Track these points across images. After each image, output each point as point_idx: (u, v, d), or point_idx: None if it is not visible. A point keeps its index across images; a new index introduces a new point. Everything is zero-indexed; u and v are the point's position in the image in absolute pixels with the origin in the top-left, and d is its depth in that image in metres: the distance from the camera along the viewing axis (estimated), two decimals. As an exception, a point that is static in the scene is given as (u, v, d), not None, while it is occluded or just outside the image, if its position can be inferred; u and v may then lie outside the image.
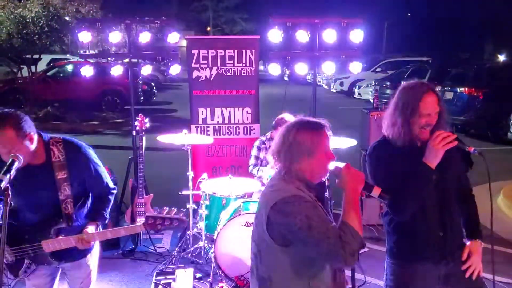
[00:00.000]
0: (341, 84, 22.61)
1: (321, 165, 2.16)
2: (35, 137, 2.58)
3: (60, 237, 2.69)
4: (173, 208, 2.77)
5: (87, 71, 5.28)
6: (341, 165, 2.18)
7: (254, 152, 5.22)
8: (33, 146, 2.55)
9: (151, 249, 5.11)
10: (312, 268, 2.10)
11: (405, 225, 2.58)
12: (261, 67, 29.10)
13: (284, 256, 2.10)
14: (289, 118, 5.01)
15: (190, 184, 4.95)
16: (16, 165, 2.25)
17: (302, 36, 5.37)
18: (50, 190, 2.68)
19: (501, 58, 34.39)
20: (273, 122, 4.98)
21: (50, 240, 2.68)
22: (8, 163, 2.23)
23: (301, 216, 2.00)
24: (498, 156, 8.49)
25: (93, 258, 2.99)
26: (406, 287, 2.63)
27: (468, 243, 2.63)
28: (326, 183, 4.62)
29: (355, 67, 5.71)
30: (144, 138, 5.05)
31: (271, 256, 2.15)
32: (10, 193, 2.09)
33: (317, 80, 22.85)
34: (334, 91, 23.32)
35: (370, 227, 5.57)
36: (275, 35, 5.33)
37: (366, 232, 5.07)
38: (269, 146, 5.12)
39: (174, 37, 5.31)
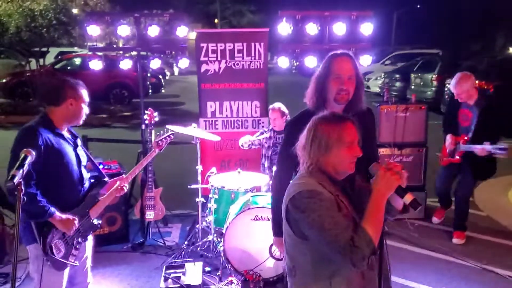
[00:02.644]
0: (350, 76, 22.44)
1: (342, 159, 2.09)
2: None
3: (101, 198, 3.14)
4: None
5: (96, 65, 5.27)
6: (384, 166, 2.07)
7: (257, 134, 5.38)
8: None
9: (161, 242, 5.13)
10: (331, 265, 2.06)
11: None
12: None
13: (305, 250, 2.10)
14: (273, 106, 5.13)
15: (199, 178, 4.95)
16: (29, 160, 2.24)
17: (312, 29, 5.33)
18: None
19: (512, 50, 34.00)
20: None
21: (95, 205, 3.11)
22: (21, 158, 2.22)
23: (314, 215, 1.98)
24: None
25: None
26: None
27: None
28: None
29: (365, 60, 5.66)
30: (153, 131, 5.05)
31: (294, 248, 2.16)
32: (23, 188, 2.08)
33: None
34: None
35: (410, 220, 5.50)
36: (284, 28, 5.29)
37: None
38: (270, 136, 5.16)
39: (183, 31, 5.28)
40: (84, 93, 2.97)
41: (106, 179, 3.22)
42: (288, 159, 2.62)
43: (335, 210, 2.02)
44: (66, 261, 2.89)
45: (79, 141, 3.08)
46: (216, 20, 45.57)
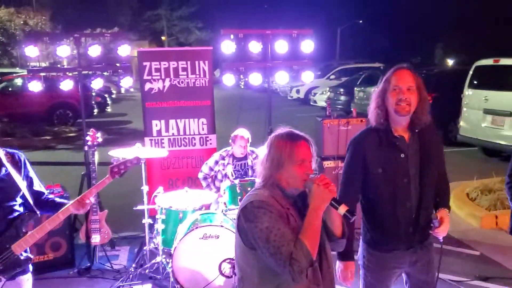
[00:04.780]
0: (298, 91, 22.94)
1: (294, 175, 2.16)
2: None
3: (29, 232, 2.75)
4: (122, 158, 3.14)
5: (36, 86, 5.13)
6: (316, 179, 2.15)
7: (210, 162, 5.25)
8: None
9: (108, 266, 5.00)
10: (277, 278, 2.10)
11: (376, 218, 2.75)
12: (217, 74, 29.14)
13: (253, 260, 2.13)
14: (242, 133, 5.09)
15: (145, 198, 4.88)
16: None
17: (255, 47, 5.45)
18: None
19: (450, 62, 35.83)
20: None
21: (21, 240, 2.72)
22: None
23: (262, 226, 2.03)
24: (448, 158, 8.76)
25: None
26: (379, 268, 2.80)
27: (439, 211, 2.74)
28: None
29: (307, 77, 5.83)
30: (96, 153, 4.94)
31: (243, 258, 2.19)
32: None
33: (274, 88, 22.90)
34: (291, 98, 23.62)
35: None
36: (227, 47, 5.37)
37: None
38: (228, 163, 5.16)
39: (125, 50, 5.25)
40: None
41: (38, 213, 2.90)
42: (354, 180, 2.71)
43: (283, 222, 2.08)
44: None
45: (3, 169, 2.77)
46: (163, 38, 45.39)
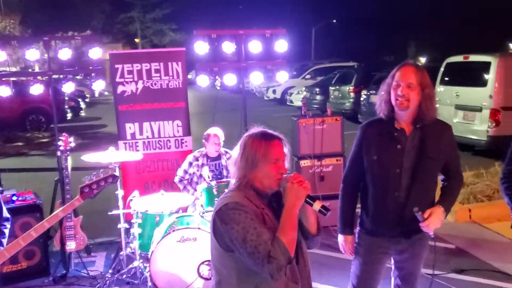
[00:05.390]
0: (274, 91, 22.99)
1: (268, 175, 2.17)
2: None
3: None
4: (100, 170, 2.87)
5: (4, 91, 5.01)
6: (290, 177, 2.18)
7: (185, 165, 5.23)
8: None
9: (84, 273, 4.91)
10: (256, 277, 2.10)
11: (368, 202, 2.91)
12: (190, 76, 29.00)
13: (230, 262, 2.13)
14: (215, 131, 5.09)
15: (120, 203, 4.81)
16: None
17: (228, 47, 5.43)
18: None
19: (423, 60, 36.46)
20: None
21: None
22: None
23: (238, 227, 2.04)
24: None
25: None
26: (367, 250, 2.97)
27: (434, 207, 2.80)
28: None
29: (282, 76, 5.85)
30: (69, 158, 4.86)
31: (220, 261, 2.18)
32: None
33: (250, 89, 22.97)
34: (267, 99, 23.67)
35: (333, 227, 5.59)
36: (200, 48, 5.34)
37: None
38: (202, 164, 5.14)
39: (96, 52, 5.17)
40: None
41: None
42: (355, 162, 2.91)
43: (259, 222, 2.08)
44: None
45: None
46: (137, 40, 44.99)
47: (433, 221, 2.70)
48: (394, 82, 2.73)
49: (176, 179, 5.28)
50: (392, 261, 3.06)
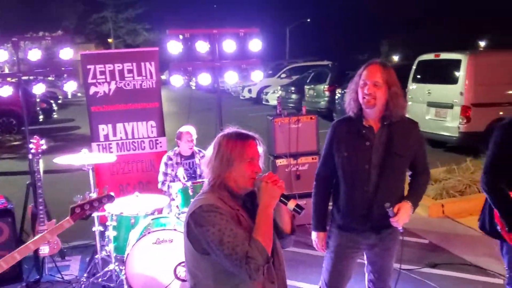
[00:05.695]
0: (250, 91, 23.01)
1: (243, 174, 2.16)
2: None
3: None
4: (94, 192, 2.64)
5: (-29, 94, 4.88)
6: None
7: (161, 168, 5.20)
8: None
9: (58, 277, 4.81)
10: (233, 279, 2.09)
11: (338, 198, 2.97)
12: (164, 77, 28.84)
13: (206, 265, 2.11)
14: (187, 129, 5.08)
15: (95, 205, 4.73)
16: None
17: (202, 47, 5.41)
18: None
19: (395, 58, 37.02)
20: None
21: None
22: None
23: (214, 229, 2.02)
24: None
25: None
26: (337, 246, 3.02)
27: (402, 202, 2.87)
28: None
29: (257, 76, 5.86)
30: (41, 161, 4.76)
31: (195, 264, 2.16)
32: None
33: (225, 88, 22.88)
34: (243, 98, 23.68)
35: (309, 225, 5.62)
36: (174, 47, 5.30)
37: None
38: (177, 163, 5.12)
39: (67, 53, 5.08)
40: None
41: None
42: (330, 157, 2.95)
43: (234, 223, 2.07)
44: None
45: None
46: (110, 40, 44.43)
47: (402, 216, 2.78)
48: (361, 80, 2.79)
49: (159, 185, 5.24)
50: (365, 256, 3.12)
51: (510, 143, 2.90)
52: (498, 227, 3.00)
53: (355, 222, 2.91)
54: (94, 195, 4.40)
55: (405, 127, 2.86)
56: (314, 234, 3.10)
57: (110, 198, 2.66)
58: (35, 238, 2.56)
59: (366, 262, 3.14)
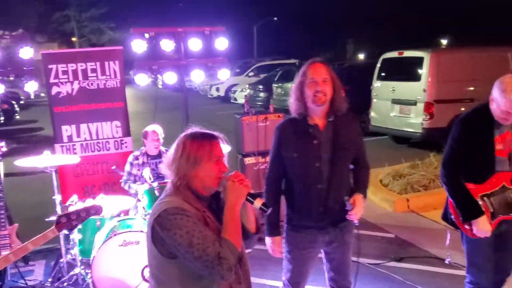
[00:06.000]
0: (217, 89, 22.94)
1: (209, 175, 2.13)
2: None
3: None
4: (83, 200, 2.59)
5: None
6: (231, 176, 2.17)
7: (127, 167, 5.13)
8: None
9: (22, 283, 4.68)
10: (200, 282, 2.07)
11: (292, 198, 2.99)
12: (128, 76, 28.42)
13: (173, 269, 2.07)
14: (153, 127, 5.02)
15: (58, 208, 4.63)
16: None
17: (167, 45, 5.36)
18: None
19: (361, 56, 37.56)
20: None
21: None
22: None
23: (181, 232, 1.98)
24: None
25: None
26: (294, 246, 3.04)
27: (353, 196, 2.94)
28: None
29: (224, 74, 5.84)
30: (1, 163, 4.61)
31: (160, 269, 2.11)
32: None
33: (193, 87, 22.67)
34: (211, 96, 23.58)
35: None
36: (138, 46, 5.24)
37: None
38: (143, 162, 5.05)
39: (27, 52, 4.94)
40: None
41: None
42: (279, 159, 2.96)
43: (202, 225, 2.04)
44: None
45: None
46: (73, 39, 43.44)
47: (359, 209, 2.87)
48: (308, 79, 2.83)
49: (122, 184, 5.17)
50: (323, 255, 3.15)
51: (466, 136, 3.00)
52: (453, 217, 3.11)
53: (314, 220, 2.94)
54: (58, 197, 4.34)
55: (346, 121, 2.95)
56: (269, 240, 3.07)
57: (98, 210, 2.60)
58: (16, 249, 2.53)
59: (324, 261, 3.17)
